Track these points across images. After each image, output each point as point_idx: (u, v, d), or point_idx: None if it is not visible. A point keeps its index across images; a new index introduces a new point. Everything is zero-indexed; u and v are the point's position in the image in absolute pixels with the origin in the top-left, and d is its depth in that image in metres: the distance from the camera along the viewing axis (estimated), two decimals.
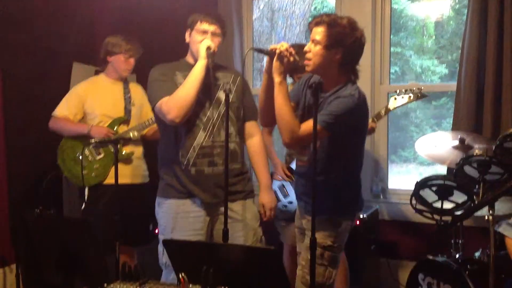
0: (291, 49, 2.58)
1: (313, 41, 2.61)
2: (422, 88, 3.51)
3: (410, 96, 3.52)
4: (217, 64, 3.04)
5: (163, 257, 2.98)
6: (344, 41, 2.58)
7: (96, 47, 4.03)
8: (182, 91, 2.85)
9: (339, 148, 2.69)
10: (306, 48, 2.64)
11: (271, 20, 6.03)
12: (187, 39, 3.04)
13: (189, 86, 2.85)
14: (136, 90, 3.90)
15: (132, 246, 3.77)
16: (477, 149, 3.32)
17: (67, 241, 2.45)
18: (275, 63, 2.57)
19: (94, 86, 3.81)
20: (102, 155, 3.71)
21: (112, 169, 3.58)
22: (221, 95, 2.97)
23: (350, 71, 2.70)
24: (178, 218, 2.98)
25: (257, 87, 5.06)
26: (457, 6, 6.06)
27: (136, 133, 2.90)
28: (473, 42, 3.78)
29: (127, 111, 3.73)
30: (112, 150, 3.58)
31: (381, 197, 4.38)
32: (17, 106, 4.10)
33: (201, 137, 2.95)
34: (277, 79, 2.57)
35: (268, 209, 3.14)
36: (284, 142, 2.63)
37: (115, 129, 3.69)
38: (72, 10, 4.63)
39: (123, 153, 3.69)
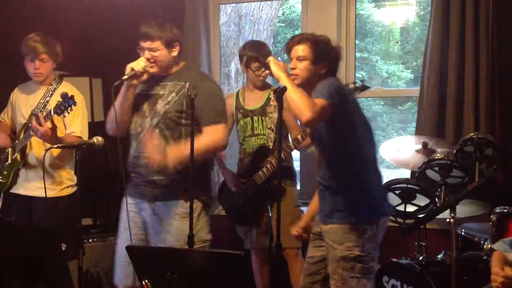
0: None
1: (298, 58, 2.73)
2: (364, 80, 3.47)
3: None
4: (179, 72, 3.06)
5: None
6: (329, 55, 2.74)
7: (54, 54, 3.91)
8: (111, 110, 2.96)
9: (342, 139, 2.73)
10: (291, 66, 2.74)
11: (239, 25, 6.04)
12: None
13: (116, 104, 2.95)
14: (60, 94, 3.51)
15: None
16: (440, 153, 3.38)
17: (29, 249, 2.42)
18: (272, 66, 2.68)
19: (22, 92, 3.68)
20: (9, 162, 3.60)
21: (16, 178, 3.57)
22: (159, 106, 3.00)
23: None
24: (123, 215, 3.03)
25: (224, 91, 5.07)
26: (422, 12, 6.18)
27: (100, 139, 2.86)
28: (436, 48, 3.85)
29: (32, 116, 3.44)
30: (13, 157, 3.55)
31: None
32: None
33: (133, 147, 3.04)
34: (282, 75, 2.64)
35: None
36: (307, 119, 2.54)
37: (19, 133, 3.57)
38: (35, 14, 4.56)
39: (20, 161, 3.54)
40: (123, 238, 3.00)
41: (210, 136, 2.95)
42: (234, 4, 5.57)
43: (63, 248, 3.20)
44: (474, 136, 3.22)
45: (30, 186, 3.53)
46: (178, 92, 3.01)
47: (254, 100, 3.71)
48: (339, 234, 2.72)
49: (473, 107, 3.75)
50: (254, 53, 3.29)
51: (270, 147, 3.57)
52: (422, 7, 6.10)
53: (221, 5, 4.93)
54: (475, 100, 3.75)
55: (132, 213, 3.01)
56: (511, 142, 3.73)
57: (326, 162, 2.80)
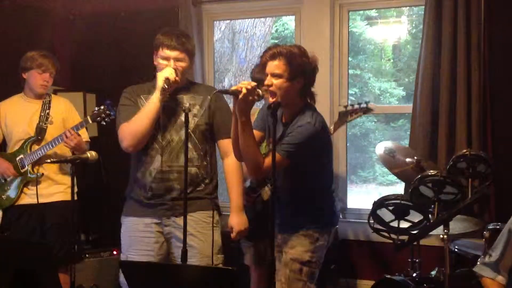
0: (254, 86, 2.55)
1: (272, 74, 2.64)
2: (369, 101, 3.53)
3: (357, 113, 3.54)
4: (187, 85, 3.05)
5: (121, 276, 2.95)
6: (305, 70, 2.67)
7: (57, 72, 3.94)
8: (136, 121, 2.87)
9: (302, 172, 2.77)
10: (267, 82, 2.66)
11: (232, 41, 6.08)
12: (155, 61, 2.99)
13: (143, 116, 2.86)
14: (57, 105, 3.77)
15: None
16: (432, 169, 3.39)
17: (22, 263, 2.41)
18: (240, 104, 2.54)
19: (11, 106, 3.73)
20: (12, 177, 3.65)
21: (26, 190, 3.63)
22: (184, 119, 2.92)
23: (307, 94, 2.77)
24: (133, 237, 2.98)
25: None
26: (414, 30, 6.24)
27: (93, 153, 2.87)
28: (428, 65, 3.89)
29: (39, 130, 3.64)
30: (22, 171, 3.61)
31: (340, 216, 4.41)
32: None
33: (158, 161, 2.94)
34: (242, 118, 2.57)
35: (235, 232, 3.02)
36: (250, 175, 2.81)
37: (26, 149, 3.61)
38: (32, 31, 4.57)
39: (38, 174, 3.61)
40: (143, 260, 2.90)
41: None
42: (228, 21, 5.61)
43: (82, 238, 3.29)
44: (467, 152, 3.23)
45: (45, 193, 3.61)
46: (201, 105, 3.00)
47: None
48: (293, 239, 2.80)
49: (465, 124, 3.78)
50: (259, 76, 3.04)
51: None
52: (414, 25, 6.16)
53: (215, 22, 4.97)
54: (468, 117, 3.78)
55: (152, 234, 2.97)
56: (503, 158, 3.76)
57: (288, 185, 2.83)
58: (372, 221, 3.29)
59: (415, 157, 3.56)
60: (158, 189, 2.94)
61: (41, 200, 3.58)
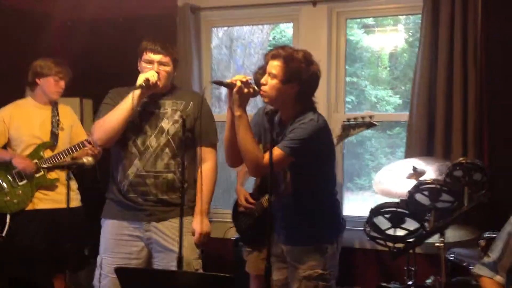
0: (250, 80, 2.60)
1: (269, 74, 2.66)
2: (373, 116, 3.54)
3: (360, 127, 3.55)
4: (170, 90, 3.06)
5: (96, 280, 2.99)
6: (301, 76, 2.64)
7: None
8: (108, 116, 2.89)
9: (306, 175, 2.75)
10: (262, 81, 2.68)
11: (230, 48, 6.08)
12: (139, 66, 3.03)
13: (115, 112, 2.88)
14: (65, 112, 3.86)
15: (61, 272, 3.64)
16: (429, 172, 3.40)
17: (17, 267, 2.41)
18: (235, 96, 2.56)
19: (20, 110, 3.76)
20: (25, 181, 3.66)
21: (36, 195, 3.66)
22: (165, 124, 2.98)
23: (307, 101, 2.76)
24: (111, 240, 2.99)
25: (215, 113, 5.07)
26: (411, 39, 6.24)
27: (90, 159, 2.86)
28: (424, 73, 3.91)
29: (53, 135, 3.70)
30: (37, 175, 3.63)
31: None
32: None
33: (136, 165, 2.96)
34: (237, 112, 2.58)
35: (197, 234, 3.02)
36: (250, 172, 2.70)
37: (40, 154, 3.65)
38: (30, 37, 4.58)
39: (50, 178, 3.66)
40: (119, 263, 2.88)
41: (213, 160, 3.07)
42: (225, 28, 5.61)
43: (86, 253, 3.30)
44: (463, 161, 3.24)
45: (60, 199, 3.65)
46: (184, 110, 3.01)
47: None
48: (301, 254, 2.76)
49: (461, 133, 3.80)
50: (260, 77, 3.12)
51: None
52: (410, 33, 6.18)
53: (213, 28, 4.98)
54: (464, 125, 3.80)
55: (130, 237, 2.97)
56: (500, 167, 3.77)
57: (294, 190, 2.80)
58: (368, 229, 3.30)
59: (412, 165, 3.56)
60: (135, 193, 2.96)
61: (57, 206, 3.65)
